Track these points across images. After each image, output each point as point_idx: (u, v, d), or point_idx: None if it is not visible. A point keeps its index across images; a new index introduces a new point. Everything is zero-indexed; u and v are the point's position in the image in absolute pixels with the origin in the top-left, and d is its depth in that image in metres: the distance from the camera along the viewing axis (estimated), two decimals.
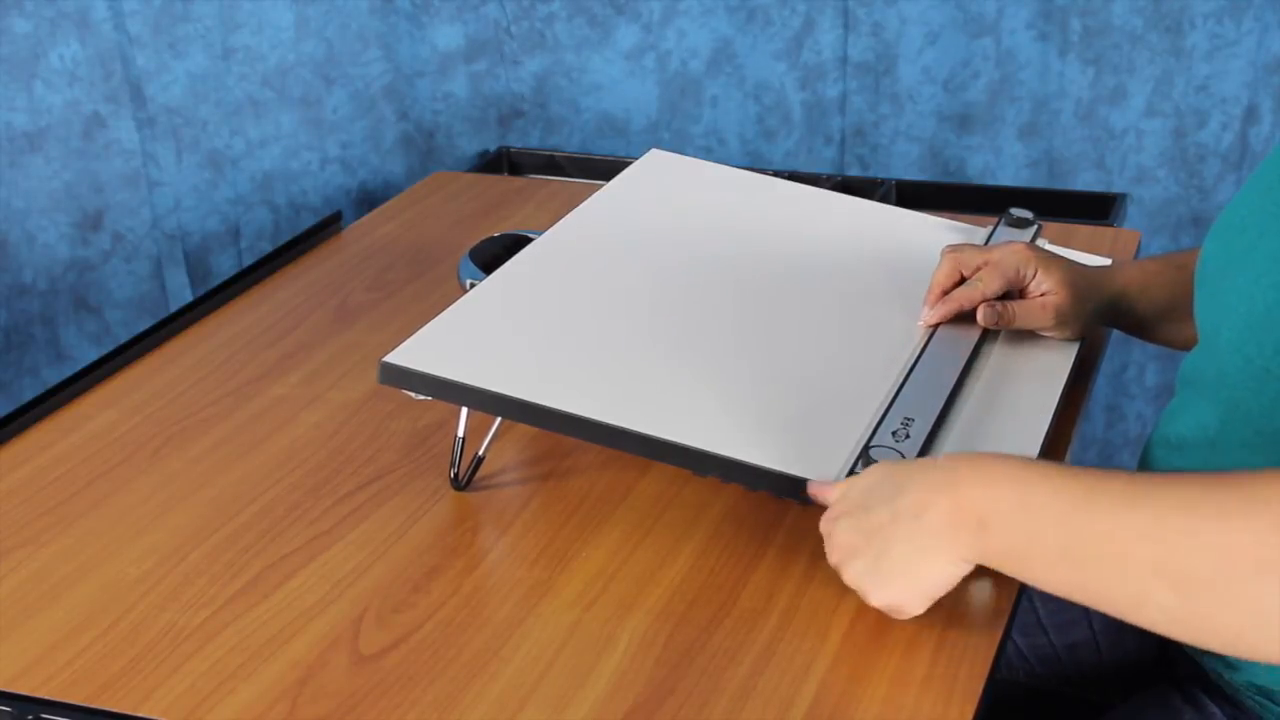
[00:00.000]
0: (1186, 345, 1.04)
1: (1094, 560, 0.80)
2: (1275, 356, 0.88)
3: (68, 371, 1.34)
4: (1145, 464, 1.07)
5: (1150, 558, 0.77)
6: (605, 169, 1.61)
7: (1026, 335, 1.14)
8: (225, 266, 1.77)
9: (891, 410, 1.01)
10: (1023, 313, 1.11)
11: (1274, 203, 0.93)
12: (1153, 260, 1.18)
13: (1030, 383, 1.09)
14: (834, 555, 0.90)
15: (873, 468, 0.91)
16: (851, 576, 0.89)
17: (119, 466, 1.12)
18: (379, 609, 0.95)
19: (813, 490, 0.93)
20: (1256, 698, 0.98)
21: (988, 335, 1.12)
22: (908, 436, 0.98)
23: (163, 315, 1.43)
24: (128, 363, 1.27)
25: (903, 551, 0.86)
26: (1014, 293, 1.12)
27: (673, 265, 1.19)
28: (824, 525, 0.91)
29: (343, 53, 1.78)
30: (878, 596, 0.88)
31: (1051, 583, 0.83)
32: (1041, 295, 1.11)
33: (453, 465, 1.07)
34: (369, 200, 1.83)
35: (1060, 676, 1.18)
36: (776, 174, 1.51)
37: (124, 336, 1.55)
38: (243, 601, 0.95)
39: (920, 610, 0.88)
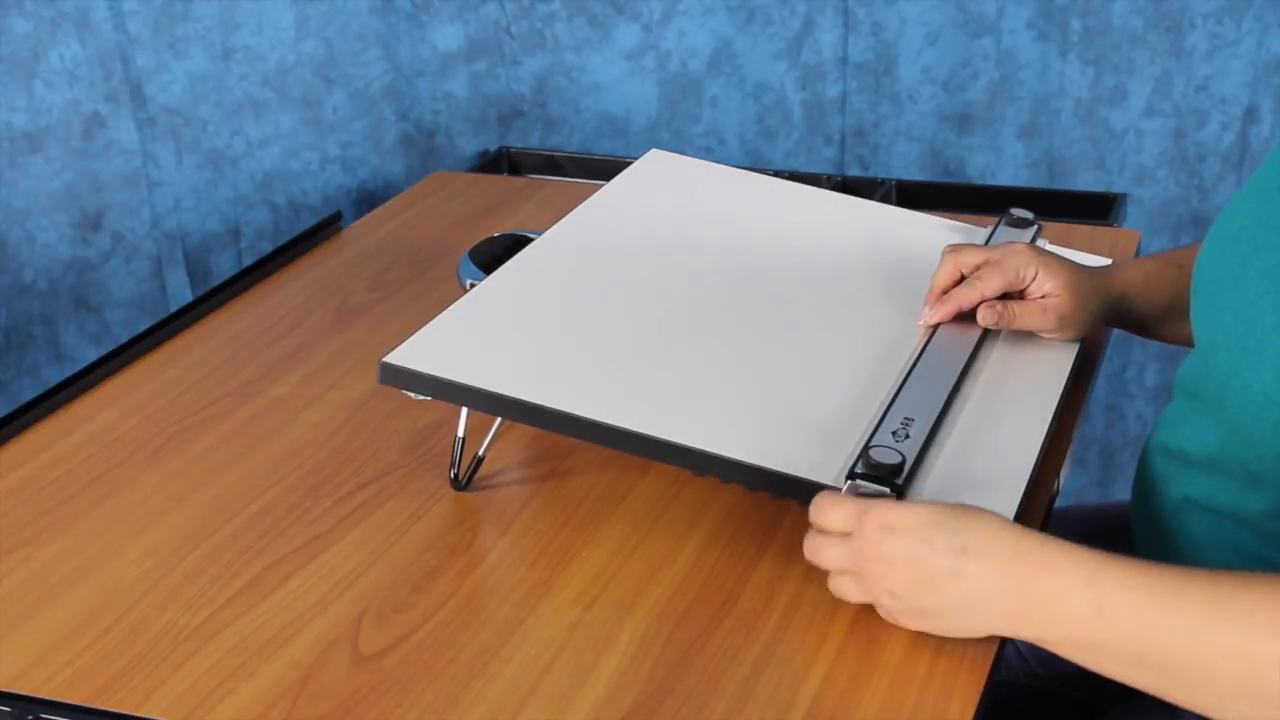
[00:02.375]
0: (1189, 342, 1.04)
1: (1173, 671, 0.80)
2: (1274, 382, 0.88)
3: (68, 371, 1.34)
4: (1145, 470, 1.07)
5: (1234, 675, 0.78)
6: (605, 169, 1.61)
7: (1026, 335, 1.14)
8: (225, 266, 1.77)
9: (891, 410, 1.01)
10: (1023, 314, 1.11)
11: (1270, 215, 0.93)
12: (1153, 259, 1.17)
13: (1030, 383, 1.09)
14: (872, 563, 0.88)
15: (938, 505, 0.88)
16: (882, 593, 0.88)
17: (119, 466, 1.12)
18: (379, 609, 0.95)
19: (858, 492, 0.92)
20: None
21: (988, 335, 1.12)
22: (908, 436, 0.98)
23: (163, 315, 1.43)
24: (128, 363, 1.27)
25: (951, 607, 0.86)
26: (1014, 293, 1.12)
27: (672, 265, 1.19)
28: (870, 528, 0.88)
29: (343, 53, 1.78)
30: (903, 622, 0.88)
31: (1119, 678, 0.84)
32: (1043, 297, 1.11)
33: (453, 465, 1.07)
34: (369, 200, 1.83)
35: (1060, 676, 1.18)
36: (776, 174, 1.51)
37: (124, 336, 1.55)
38: (243, 601, 0.95)
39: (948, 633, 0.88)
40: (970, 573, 0.85)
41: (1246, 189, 0.99)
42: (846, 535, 0.90)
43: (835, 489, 0.93)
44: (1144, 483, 1.06)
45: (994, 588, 0.84)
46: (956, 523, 0.86)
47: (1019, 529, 0.87)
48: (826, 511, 0.91)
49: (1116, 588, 0.81)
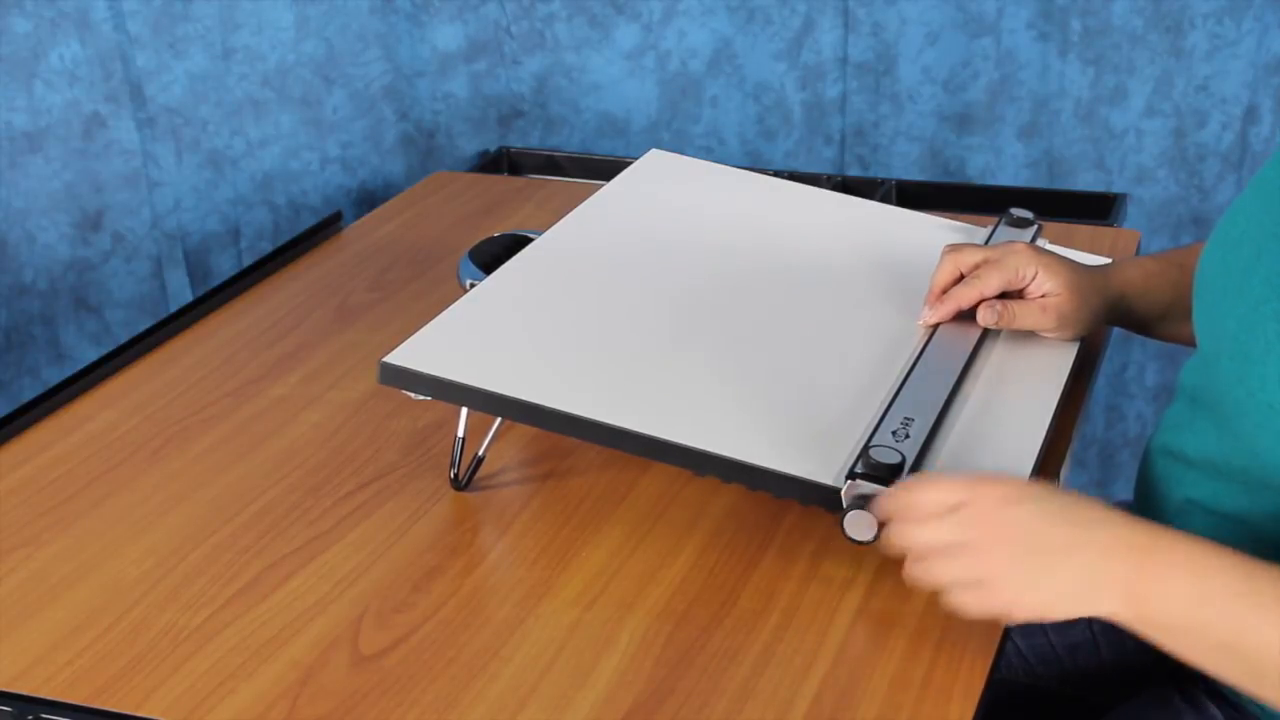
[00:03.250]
0: (1190, 342, 1.04)
1: (1253, 662, 0.82)
2: (1278, 391, 0.88)
3: (68, 371, 1.34)
4: (1147, 471, 1.07)
5: None
6: (605, 169, 1.61)
7: (1026, 335, 1.14)
8: (225, 266, 1.77)
9: (891, 410, 1.01)
10: (1023, 313, 1.11)
11: (1273, 220, 0.92)
12: (1153, 259, 1.17)
13: (1030, 383, 1.09)
14: (989, 533, 0.86)
15: (1044, 488, 0.89)
16: (992, 567, 0.86)
17: (119, 466, 1.12)
18: (379, 609, 0.95)
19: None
20: (1260, 703, 0.98)
21: (988, 335, 1.12)
22: (908, 436, 0.98)
23: (163, 315, 1.43)
24: (128, 363, 1.27)
25: (1061, 584, 0.85)
26: (1013, 293, 1.12)
27: (672, 265, 1.19)
28: (989, 500, 0.87)
29: (343, 53, 1.78)
30: (1018, 599, 0.86)
31: (1194, 660, 0.85)
32: (1043, 297, 1.11)
33: (453, 465, 1.07)
34: (369, 200, 1.83)
35: (1060, 676, 1.18)
36: (776, 174, 1.51)
37: (124, 336, 1.55)
38: (243, 601, 0.95)
39: (1029, 616, 0.87)
40: (1087, 547, 0.85)
41: (1247, 192, 0.99)
42: (955, 510, 0.87)
43: (835, 489, 0.93)
44: (1145, 484, 1.06)
45: (1107, 568, 0.84)
46: (1073, 502, 0.87)
47: (1129, 516, 0.87)
48: (928, 490, 0.89)
49: (1217, 573, 0.83)
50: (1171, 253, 1.17)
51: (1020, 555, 0.85)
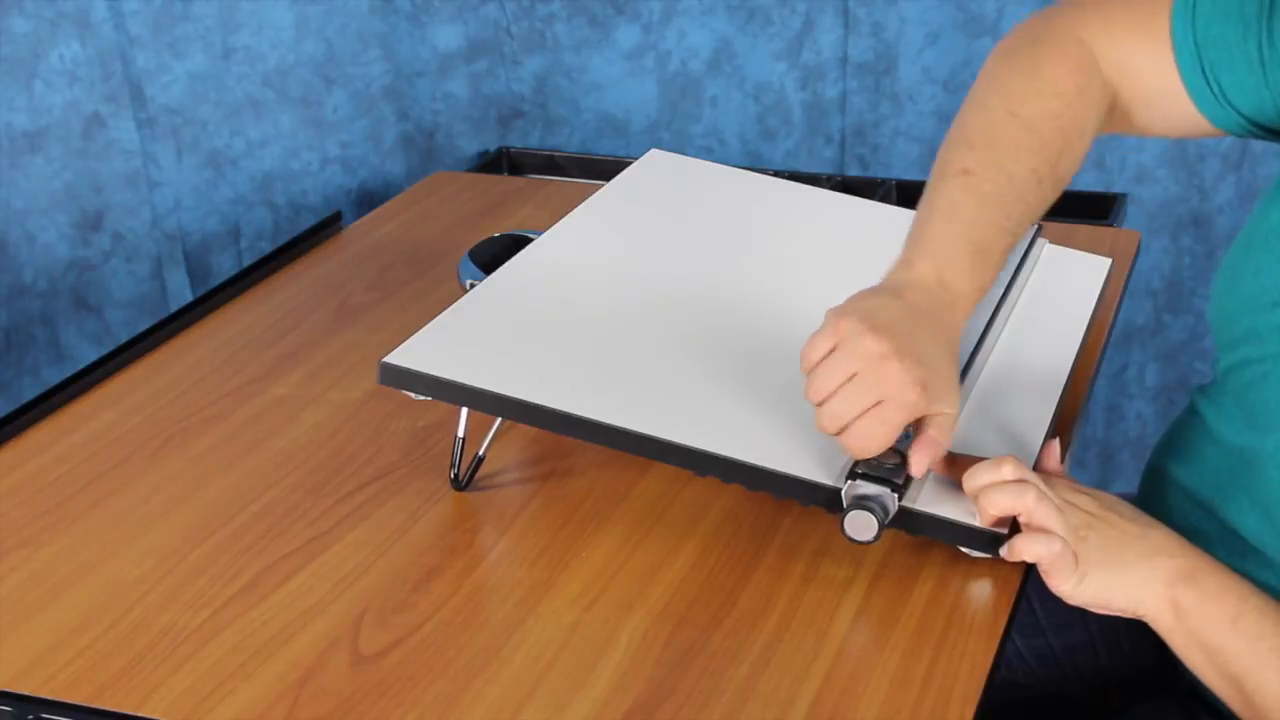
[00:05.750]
0: None
1: (1256, 697, 0.88)
2: None
3: (68, 371, 1.34)
4: (1149, 489, 1.07)
5: None
6: (605, 169, 1.61)
7: (1026, 335, 1.13)
8: (225, 266, 1.77)
9: None
10: (929, 444, 0.94)
11: None
12: (986, 265, 1.01)
13: (1030, 384, 1.09)
14: (1101, 513, 0.92)
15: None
16: (1100, 538, 0.91)
17: (119, 466, 1.12)
18: (379, 609, 0.95)
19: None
20: None
21: (986, 336, 1.12)
22: (908, 436, 0.97)
23: (163, 315, 1.43)
24: (128, 363, 1.27)
25: (1135, 577, 0.90)
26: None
27: (672, 265, 1.19)
28: (1068, 494, 0.93)
29: (343, 53, 1.78)
30: (1094, 572, 0.90)
31: (1203, 677, 0.91)
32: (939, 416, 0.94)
33: (453, 465, 1.07)
34: (369, 200, 1.83)
35: (1059, 678, 1.18)
36: (776, 174, 1.51)
37: (124, 336, 1.55)
38: (243, 601, 0.95)
39: (1099, 594, 0.90)
40: (1153, 537, 0.92)
41: (1258, 241, 0.97)
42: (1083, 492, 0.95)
43: (835, 489, 0.93)
44: (1145, 506, 1.05)
45: (1169, 559, 0.90)
46: (1135, 512, 0.94)
47: (1188, 546, 0.93)
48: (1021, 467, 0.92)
49: (1256, 609, 0.89)
50: (966, 231, 1.02)
51: (1114, 542, 0.91)
